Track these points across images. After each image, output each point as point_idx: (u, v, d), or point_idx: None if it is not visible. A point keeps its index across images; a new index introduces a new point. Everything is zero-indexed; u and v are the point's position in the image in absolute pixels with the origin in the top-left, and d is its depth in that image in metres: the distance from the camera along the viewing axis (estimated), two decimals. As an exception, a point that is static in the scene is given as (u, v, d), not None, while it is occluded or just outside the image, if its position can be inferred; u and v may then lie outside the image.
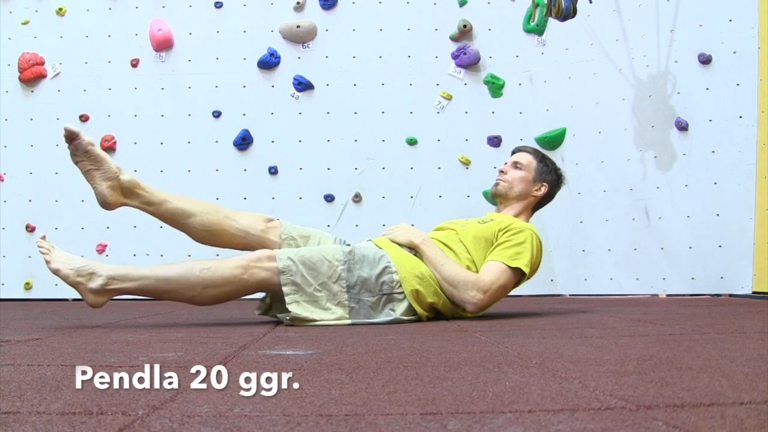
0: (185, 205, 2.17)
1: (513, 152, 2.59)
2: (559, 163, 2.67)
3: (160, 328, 2.04)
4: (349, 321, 2.08)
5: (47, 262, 1.99)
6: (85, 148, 2.01)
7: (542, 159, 2.52)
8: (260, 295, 2.29)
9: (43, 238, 2.02)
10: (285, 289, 2.05)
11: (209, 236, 2.20)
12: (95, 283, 1.99)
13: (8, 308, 3.24)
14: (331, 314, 2.08)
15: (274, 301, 2.23)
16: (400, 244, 2.27)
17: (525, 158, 2.50)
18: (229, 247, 2.27)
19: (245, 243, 2.23)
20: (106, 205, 2.07)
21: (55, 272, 1.98)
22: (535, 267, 2.29)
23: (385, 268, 2.15)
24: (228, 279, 2.04)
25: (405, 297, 2.14)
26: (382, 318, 2.11)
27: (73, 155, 2.04)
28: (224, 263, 2.06)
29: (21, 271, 4.05)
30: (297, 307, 2.04)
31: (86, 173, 2.05)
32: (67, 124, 2.01)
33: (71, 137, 2.01)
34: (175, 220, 2.16)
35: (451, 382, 1.03)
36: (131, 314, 2.63)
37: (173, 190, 3.87)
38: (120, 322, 2.27)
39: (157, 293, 2.06)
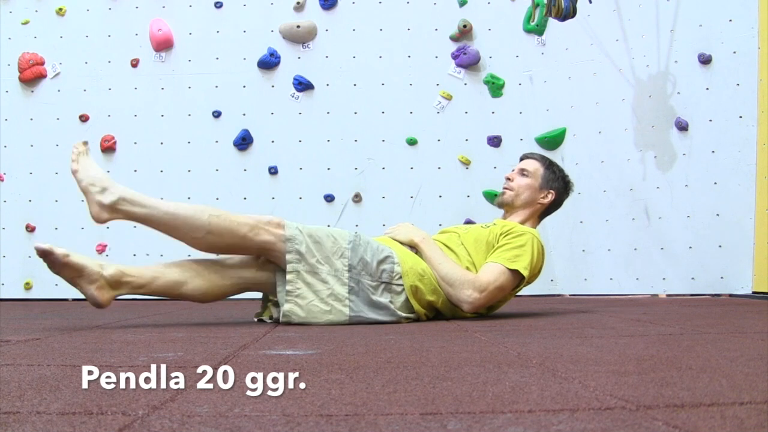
0: (174, 276, 2.09)
1: (521, 159, 2.58)
2: (559, 164, 2.67)
3: (160, 328, 2.04)
4: (346, 302, 2.07)
5: (71, 161, 2.04)
6: (62, 261, 1.93)
7: (549, 166, 2.50)
8: (258, 294, 2.29)
9: (85, 143, 2.08)
10: (288, 256, 2.06)
11: (209, 296, 2.14)
12: (105, 198, 2.01)
13: (8, 308, 3.24)
14: (328, 291, 2.06)
15: (271, 301, 2.23)
16: (401, 243, 2.28)
17: (532, 165, 2.49)
18: (231, 296, 2.24)
19: (243, 288, 2.20)
20: (99, 305, 2.01)
21: (73, 173, 2.04)
22: (535, 271, 2.28)
23: (388, 257, 2.16)
24: (233, 230, 2.04)
25: (403, 290, 2.15)
26: (381, 301, 2.11)
27: (51, 269, 1.97)
28: (234, 216, 2.07)
29: (21, 271, 4.04)
30: (296, 279, 2.05)
31: (70, 281, 1.99)
32: (36, 243, 1.93)
33: (44, 255, 1.93)
34: (170, 293, 2.10)
35: (451, 382, 1.03)
36: (131, 314, 2.63)
37: (173, 190, 3.91)
38: (120, 322, 2.27)
39: (161, 226, 2.06)
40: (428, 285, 2.19)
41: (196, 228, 2.04)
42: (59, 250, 1.93)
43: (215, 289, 2.13)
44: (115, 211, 2.04)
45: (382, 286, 2.13)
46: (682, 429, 0.72)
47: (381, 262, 2.14)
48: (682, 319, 2.17)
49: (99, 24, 4.17)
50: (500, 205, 2.52)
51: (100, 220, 2.05)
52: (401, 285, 2.15)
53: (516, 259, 2.21)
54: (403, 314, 2.14)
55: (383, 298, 2.12)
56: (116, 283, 2.02)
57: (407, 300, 2.15)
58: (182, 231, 2.06)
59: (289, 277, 2.05)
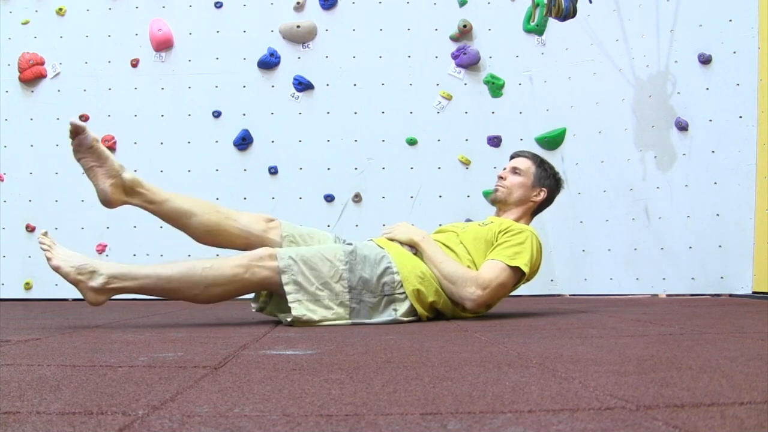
0: (187, 205, 2.17)
1: (511, 157, 2.59)
2: (559, 164, 2.68)
3: (160, 328, 2.04)
4: (349, 321, 2.09)
5: (48, 259, 1.99)
6: (90, 144, 2.00)
7: (541, 164, 2.52)
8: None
9: (45, 234, 2.03)
10: (287, 288, 2.05)
11: (210, 236, 2.19)
12: (96, 282, 1.99)
13: (8, 308, 3.24)
14: (333, 313, 2.08)
15: (273, 299, 2.23)
16: (400, 242, 2.28)
17: (524, 163, 2.50)
18: (229, 247, 2.27)
19: (246, 243, 2.23)
20: (108, 203, 2.06)
21: (56, 269, 1.98)
22: (534, 267, 2.29)
23: (387, 268, 2.15)
24: (230, 278, 2.04)
25: (406, 297, 2.15)
26: (383, 318, 2.12)
27: (76, 151, 2.03)
28: (226, 262, 2.06)
29: (21, 271, 4.05)
30: (299, 307, 2.04)
31: (88, 170, 2.04)
32: (73, 118, 2.00)
33: (77, 131, 2.00)
34: (177, 219, 2.15)
35: (451, 382, 1.03)
36: (131, 314, 2.63)
37: (173, 190, 3.89)
38: (120, 322, 2.27)
39: (158, 292, 2.06)
40: (429, 286, 2.19)
41: (193, 286, 2.03)
42: (91, 132, 1.98)
43: (220, 231, 2.18)
44: (110, 291, 2.00)
45: (385, 298, 2.13)
46: (682, 429, 0.72)
47: (381, 275, 2.14)
48: (682, 319, 2.17)
49: (99, 24, 4.17)
50: (493, 203, 2.54)
51: (98, 304, 2.02)
52: (403, 293, 2.15)
53: (516, 256, 2.22)
54: (406, 318, 2.15)
55: (386, 314, 2.12)
56: (131, 190, 2.07)
57: (411, 305, 2.16)
58: (181, 292, 2.05)
59: (292, 306, 2.05)
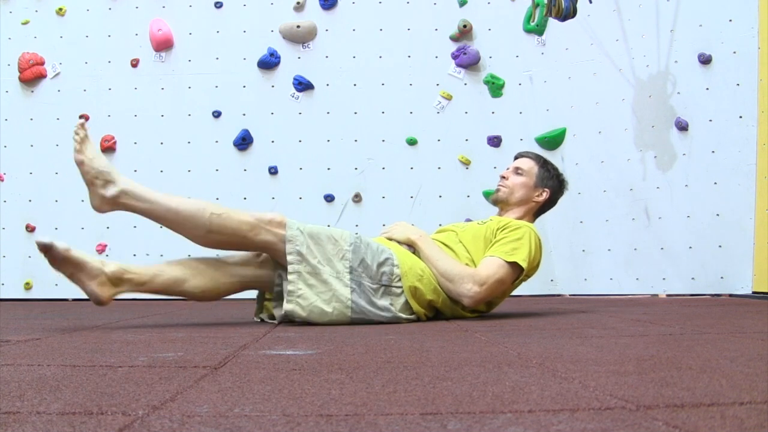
0: (175, 273, 2.09)
1: (515, 158, 2.59)
2: (559, 164, 2.68)
3: (160, 328, 2.04)
4: (349, 303, 2.06)
5: (75, 151, 2.03)
6: (63, 256, 1.92)
7: (544, 164, 2.51)
8: (254, 293, 2.29)
9: (83, 126, 2.07)
10: (289, 257, 2.06)
11: (210, 295, 2.14)
12: (108, 191, 2.02)
13: (8, 308, 3.24)
14: (330, 293, 2.05)
15: (268, 299, 2.23)
16: (398, 242, 2.28)
17: (526, 164, 2.50)
18: (231, 294, 2.23)
19: (244, 286, 2.20)
20: (100, 302, 2.00)
21: (78, 163, 2.03)
22: (533, 263, 2.28)
23: (387, 259, 2.16)
24: (234, 229, 2.05)
25: (403, 292, 2.15)
26: (381, 303, 2.11)
27: (52, 265, 1.95)
28: (235, 214, 2.06)
29: (21, 271, 4.05)
30: (298, 280, 2.04)
31: (71, 278, 1.97)
32: (38, 237, 1.92)
33: (45, 250, 1.91)
34: (171, 290, 2.09)
35: (451, 382, 1.03)
36: (131, 314, 2.63)
37: (173, 190, 3.88)
38: (120, 322, 2.27)
39: (162, 220, 2.07)
40: (427, 285, 2.19)
41: (197, 226, 2.05)
42: (60, 244, 1.91)
43: (216, 286, 2.13)
44: (116, 204, 2.05)
45: (382, 288, 2.13)
46: (682, 429, 0.72)
47: (381, 264, 2.14)
48: (682, 319, 2.17)
49: (99, 24, 4.17)
50: (495, 202, 2.54)
51: (100, 211, 2.08)
52: (400, 287, 2.15)
53: (514, 252, 2.22)
54: (404, 315, 2.14)
55: (383, 301, 2.12)
56: (117, 280, 2.01)
57: (407, 301, 2.16)
58: (183, 228, 2.07)
59: (290, 277, 2.05)
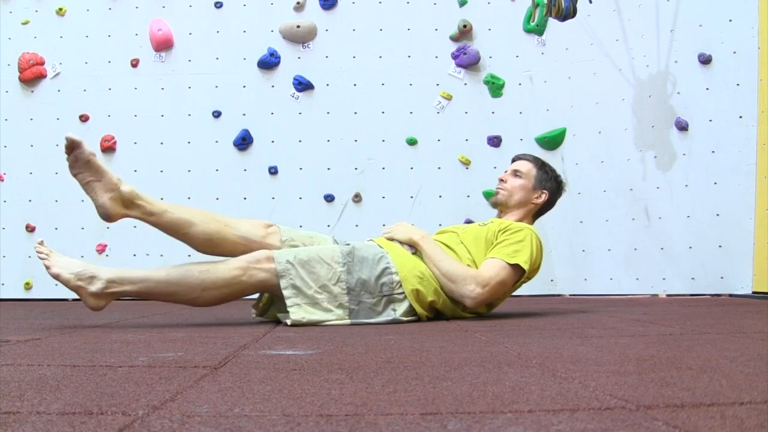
0: (186, 215, 2.15)
1: (513, 160, 2.59)
2: (559, 164, 2.68)
3: (160, 328, 2.04)
4: (348, 321, 2.09)
5: (47, 267, 1.99)
6: (87, 158, 1.98)
7: (542, 166, 2.52)
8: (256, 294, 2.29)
9: (41, 243, 2.03)
10: (285, 292, 2.06)
11: (211, 245, 2.17)
12: (95, 287, 1.99)
13: (8, 308, 3.24)
14: (332, 315, 2.08)
15: (273, 301, 2.24)
16: (399, 242, 2.28)
17: (524, 166, 2.50)
18: (230, 255, 2.24)
19: (246, 250, 2.21)
20: (108, 217, 2.03)
21: (56, 277, 1.98)
22: (534, 266, 2.29)
23: (385, 269, 2.15)
24: (227, 280, 2.04)
25: (405, 297, 2.15)
26: (382, 318, 2.12)
27: (71, 167, 2.00)
28: (223, 265, 2.06)
29: (21, 271, 4.05)
30: (298, 311, 2.05)
31: (86, 185, 2.01)
32: (69, 133, 1.97)
33: (73, 147, 1.97)
34: (176, 230, 2.13)
35: (451, 382, 1.03)
36: (131, 314, 2.63)
37: (173, 190, 3.91)
38: (120, 322, 2.27)
39: (157, 296, 2.06)
40: (428, 286, 2.19)
41: (190, 289, 2.04)
42: (87, 147, 1.95)
43: (220, 239, 2.16)
44: (110, 295, 2.02)
45: (384, 299, 2.13)
46: (682, 429, 0.72)
47: (379, 276, 2.14)
48: (682, 319, 2.17)
49: (99, 24, 4.17)
50: (494, 205, 2.54)
51: (99, 309, 2.04)
52: (402, 293, 2.15)
53: (515, 254, 2.22)
54: (405, 318, 2.15)
55: (386, 314, 2.12)
56: (129, 202, 2.05)
57: (410, 305, 2.16)
58: (179, 295, 2.06)
59: (290, 310, 2.05)
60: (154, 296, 2.06)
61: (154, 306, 3.16)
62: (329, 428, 0.75)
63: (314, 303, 2.07)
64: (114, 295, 2.02)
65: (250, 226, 2.25)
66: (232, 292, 2.08)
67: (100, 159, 3.36)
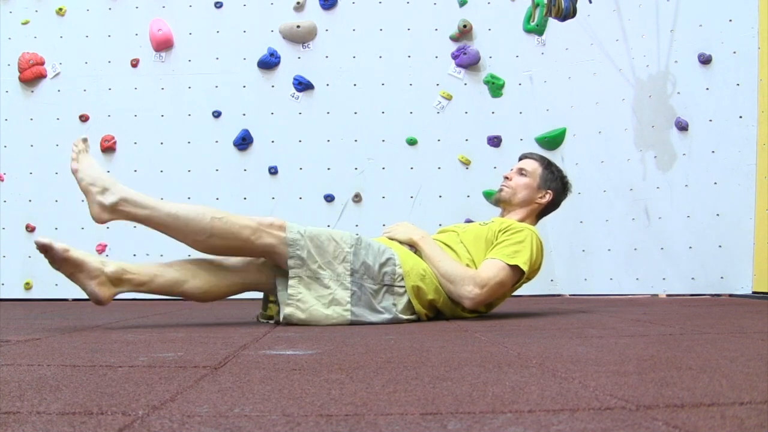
0: (175, 274, 2.09)
1: (520, 158, 2.59)
2: (559, 164, 2.67)
3: (160, 328, 2.04)
4: (348, 306, 2.07)
5: (72, 159, 2.02)
6: (62, 256, 1.92)
7: (548, 166, 2.51)
8: (258, 294, 2.29)
9: (85, 140, 2.05)
10: (290, 262, 2.06)
11: (209, 296, 2.14)
12: (106, 199, 2.00)
13: (8, 308, 3.24)
14: (330, 296, 2.06)
15: (272, 301, 2.23)
16: (400, 242, 2.28)
17: (530, 165, 2.50)
18: (230, 296, 2.23)
19: (244, 288, 2.19)
20: (100, 302, 2.00)
21: (74, 171, 2.01)
22: (534, 266, 2.28)
23: (389, 259, 2.16)
24: (235, 233, 2.03)
25: (405, 292, 2.15)
26: (383, 304, 2.11)
27: (52, 264, 1.95)
28: (236, 219, 2.05)
29: (21, 271, 4.05)
30: (298, 285, 2.04)
31: (70, 277, 1.97)
32: (37, 237, 1.91)
33: (44, 250, 1.91)
34: (171, 291, 2.09)
35: (451, 382, 1.03)
36: (131, 314, 2.63)
37: (173, 190, 3.91)
38: (120, 322, 2.27)
39: (162, 227, 2.05)
40: (429, 285, 2.19)
41: (198, 231, 2.03)
42: (59, 244, 1.91)
43: (215, 288, 2.13)
44: (115, 212, 2.02)
45: (384, 288, 2.13)
46: (682, 429, 0.72)
47: (383, 264, 2.14)
48: (682, 319, 2.17)
49: (99, 24, 4.17)
50: (497, 202, 2.53)
51: (100, 221, 2.04)
52: (403, 287, 2.15)
53: (515, 254, 2.21)
54: (405, 316, 2.14)
55: (386, 302, 2.12)
56: (117, 280, 2.01)
57: (409, 301, 2.16)
58: (184, 233, 2.05)
59: (290, 282, 2.05)
60: (160, 227, 2.05)
61: (155, 306, 3.16)
62: (329, 428, 0.75)
63: (315, 278, 2.07)
64: (121, 214, 2.02)
65: (241, 264, 2.17)
66: (236, 247, 2.06)
67: (100, 161, 3.36)
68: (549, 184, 2.47)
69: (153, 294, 2.11)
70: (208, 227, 2.02)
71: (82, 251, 1.97)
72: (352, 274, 2.10)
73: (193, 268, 2.11)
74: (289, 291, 2.05)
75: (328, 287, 2.07)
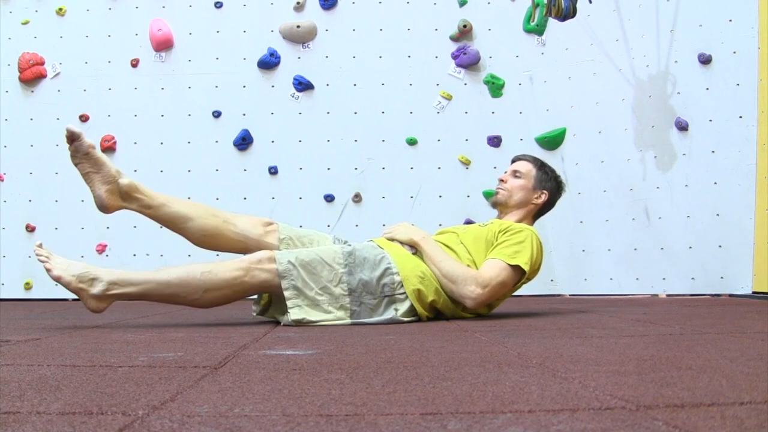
0: (184, 209, 2.16)
1: (513, 160, 2.59)
2: (559, 164, 2.68)
3: (160, 328, 2.04)
4: (349, 321, 2.10)
5: (48, 270, 1.99)
6: (86, 150, 2.01)
7: (542, 167, 2.52)
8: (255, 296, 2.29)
9: (40, 246, 2.02)
10: (286, 293, 2.06)
11: (207, 240, 2.18)
12: (97, 289, 1.99)
13: (8, 308, 3.24)
14: (333, 316, 2.09)
15: (273, 301, 2.24)
16: (400, 242, 2.28)
17: (524, 166, 2.50)
18: (227, 251, 2.26)
19: (244, 247, 2.22)
20: (105, 208, 2.06)
21: (57, 279, 1.98)
22: (535, 266, 2.29)
23: (386, 269, 2.15)
24: (229, 281, 2.04)
25: (407, 297, 2.15)
26: (385, 316, 2.12)
27: (73, 157, 2.04)
28: (225, 265, 2.06)
29: (21, 271, 4.05)
30: (299, 312, 2.05)
31: (85, 175, 2.05)
32: (69, 124, 2.00)
33: (73, 138, 2.00)
34: (174, 223, 2.14)
35: (451, 382, 1.03)
36: (131, 314, 2.63)
37: (173, 191, 3.88)
38: (120, 322, 2.27)
39: (158, 297, 2.06)
40: (429, 286, 2.19)
41: (192, 290, 2.04)
42: (87, 139, 1.97)
43: (217, 235, 2.17)
44: (111, 297, 2.01)
45: (386, 299, 2.13)
46: (682, 429, 0.72)
47: (380, 277, 2.14)
48: (682, 319, 2.17)
49: (99, 24, 4.17)
50: (494, 205, 2.54)
51: (99, 311, 2.03)
52: (404, 293, 2.15)
53: (516, 255, 2.22)
54: (406, 318, 2.15)
55: (387, 314, 2.12)
56: (127, 195, 2.06)
57: (411, 305, 2.16)
58: (181, 297, 2.05)
59: (291, 311, 2.06)
60: (156, 298, 2.06)
61: (154, 306, 3.16)
62: (329, 428, 0.75)
63: (315, 305, 2.07)
64: (115, 297, 2.02)
65: (248, 223, 2.25)
66: (233, 293, 2.08)
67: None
68: (544, 184, 2.48)
69: (155, 221, 2.15)
70: (200, 284, 2.03)
71: (103, 155, 2.04)
72: (350, 294, 2.11)
73: (203, 211, 2.18)
74: (292, 317, 2.04)
75: (328, 312, 2.08)
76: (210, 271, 2.04)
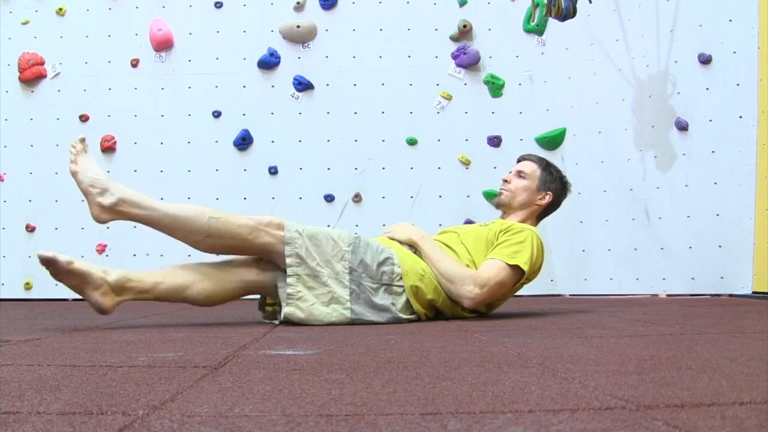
0: (179, 279, 2.08)
1: (518, 160, 2.58)
2: (559, 164, 2.68)
3: (160, 328, 2.04)
4: (348, 305, 2.07)
5: (70, 162, 2.04)
6: (66, 269, 1.91)
7: (546, 167, 2.50)
8: (256, 296, 2.28)
9: (82, 140, 2.08)
10: (288, 260, 2.06)
11: (212, 300, 2.12)
12: (106, 200, 2.02)
13: (8, 308, 3.24)
14: (329, 295, 2.06)
15: (270, 304, 2.23)
16: (399, 242, 2.28)
17: (529, 167, 2.49)
18: (234, 299, 2.21)
19: (247, 290, 2.18)
20: (104, 312, 2.00)
21: (73, 174, 2.04)
22: (535, 267, 2.28)
23: (388, 258, 2.16)
24: (233, 233, 2.04)
25: (404, 291, 2.15)
26: (382, 303, 2.11)
27: (54, 276, 1.95)
28: (234, 218, 2.06)
29: (21, 271, 4.05)
30: (296, 283, 2.05)
31: (73, 288, 1.97)
32: (39, 250, 1.90)
33: (47, 264, 1.90)
34: (174, 297, 2.07)
35: (451, 382, 1.03)
36: (131, 314, 2.63)
37: (173, 190, 3.91)
38: (120, 322, 2.27)
39: (161, 227, 2.07)
40: (429, 285, 2.19)
41: (195, 231, 2.04)
42: (63, 257, 1.90)
43: (218, 292, 2.12)
44: (115, 212, 2.05)
45: (383, 287, 2.13)
46: (682, 429, 0.72)
47: (381, 264, 2.14)
48: (682, 319, 2.17)
49: (99, 24, 4.17)
50: (498, 206, 2.53)
51: (100, 221, 2.07)
52: (402, 286, 2.15)
53: (515, 255, 2.21)
54: (404, 316, 2.14)
55: (384, 300, 2.12)
56: (120, 289, 2.01)
57: (408, 301, 2.16)
58: (182, 233, 2.06)
59: (289, 280, 2.05)
60: (158, 227, 2.07)
61: (154, 306, 3.16)
62: (329, 428, 0.75)
63: (314, 276, 2.07)
64: (120, 214, 2.04)
65: (244, 265, 2.16)
66: (233, 246, 2.08)
67: (100, 161, 3.35)
68: (548, 185, 2.47)
69: (157, 300, 2.11)
70: (205, 227, 2.04)
71: (84, 262, 1.97)
72: (350, 273, 2.11)
73: (197, 271, 2.11)
74: (288, 290, 2.05)
75: (326, 285, 2.08)
76: (218, 219, 2.04)
